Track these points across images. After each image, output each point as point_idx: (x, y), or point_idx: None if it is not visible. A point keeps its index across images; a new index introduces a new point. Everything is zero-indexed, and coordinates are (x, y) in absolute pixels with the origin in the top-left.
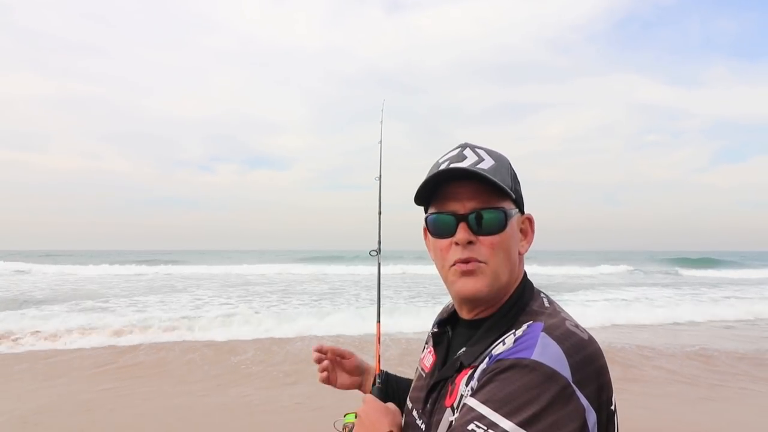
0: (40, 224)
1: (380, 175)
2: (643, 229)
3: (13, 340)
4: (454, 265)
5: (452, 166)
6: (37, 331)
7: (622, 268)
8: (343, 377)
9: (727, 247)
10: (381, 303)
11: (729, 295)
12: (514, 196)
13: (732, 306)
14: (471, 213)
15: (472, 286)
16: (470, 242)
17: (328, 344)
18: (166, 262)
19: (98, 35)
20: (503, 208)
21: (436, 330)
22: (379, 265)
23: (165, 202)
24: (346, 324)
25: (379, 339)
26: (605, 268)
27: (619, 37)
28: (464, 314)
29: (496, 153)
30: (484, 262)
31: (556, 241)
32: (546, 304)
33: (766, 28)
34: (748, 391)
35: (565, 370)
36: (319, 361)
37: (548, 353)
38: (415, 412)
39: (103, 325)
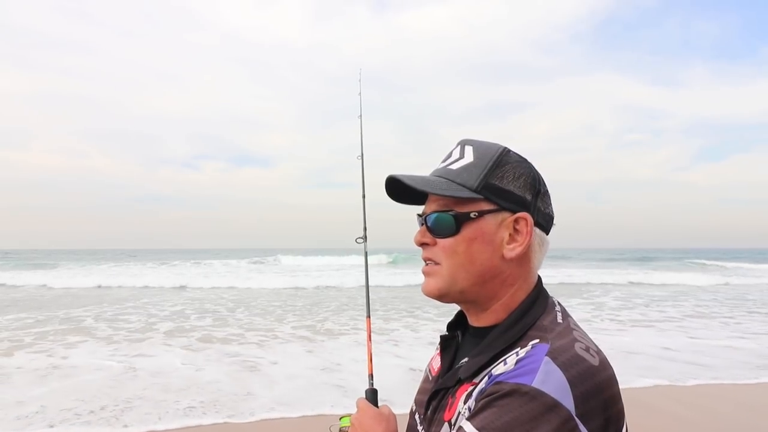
0: (21, 222)
1: (362, 153)
2: (627, 227)
3: None
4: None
5: (438, 165)
6: None
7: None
8: None
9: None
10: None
11: None
12: (481, 196)
13: None
14: (429, 215)
15: (425, 286)
16: (424, 243)
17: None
18: (152, 263)
19: (81, 31)
20: (454, 211)
21: (445, 334)
22: (366, 254)
23: (149, 200)
24: (314, 400)
25: (369, 336)
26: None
27: (601, 38)
28: (469, 320)
29: (485, 148)
30: (439, 264)
31: (554, 241)
32: (559, 319)
33: (744, 30)
34: None
35: (567, 401)
36: None
37: (551, 381)
38: (417, 416)
39: None
